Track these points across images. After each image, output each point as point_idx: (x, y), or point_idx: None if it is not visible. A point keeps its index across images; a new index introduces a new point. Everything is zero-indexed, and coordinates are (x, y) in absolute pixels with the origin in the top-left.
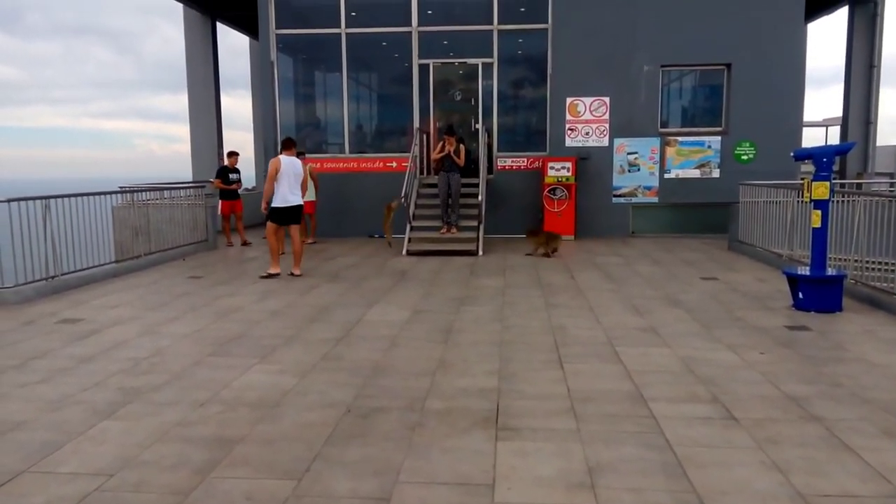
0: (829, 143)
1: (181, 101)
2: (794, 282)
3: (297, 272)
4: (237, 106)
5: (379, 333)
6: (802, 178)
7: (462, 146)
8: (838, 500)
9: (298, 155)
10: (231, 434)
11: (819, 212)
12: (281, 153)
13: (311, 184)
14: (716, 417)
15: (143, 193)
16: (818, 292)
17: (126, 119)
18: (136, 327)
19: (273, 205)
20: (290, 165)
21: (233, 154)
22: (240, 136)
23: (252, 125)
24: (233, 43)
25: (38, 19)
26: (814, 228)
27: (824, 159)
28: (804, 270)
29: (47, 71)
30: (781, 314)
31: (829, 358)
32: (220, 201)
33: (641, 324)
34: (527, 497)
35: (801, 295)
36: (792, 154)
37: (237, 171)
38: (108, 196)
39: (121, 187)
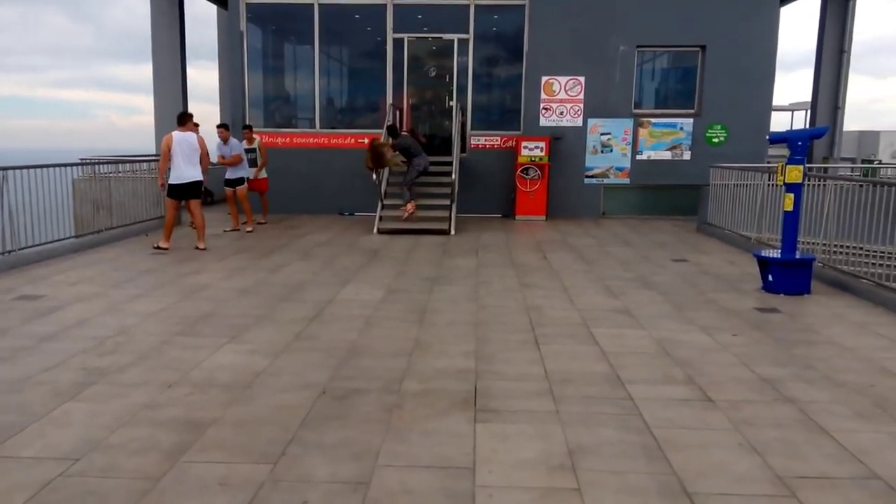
0: (794, 127)
1: (143, 72)
2: (765, 264)
3: (201, 246)
4: (202, 77)
5: (353, 313)
6: (768, 162)
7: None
8: (816, 481)
9: (244, 129)
10: (202, 416)
11: (792, 195)
12: (177, 129)
13: (259, 161)
14: (693, 399)
15: (105, 166)
16: (788, 275)
17: (85, 89)
18: (99, 305)
19: (169, 181)
20: (182, 141)
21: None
22: (205, 108)
23: (218, 97)
24: (199, 11)
25: None
26: (785, 212)
27: (799, 143)
28: (774, 253)
29: (1, 37)
30: (752, 296)
31: (800, 340)
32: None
33: (615, 305)
34: (508, 480)
35: (770, 277)
36: (767, 137)
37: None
38: (68, 168)
39: (81, 159)
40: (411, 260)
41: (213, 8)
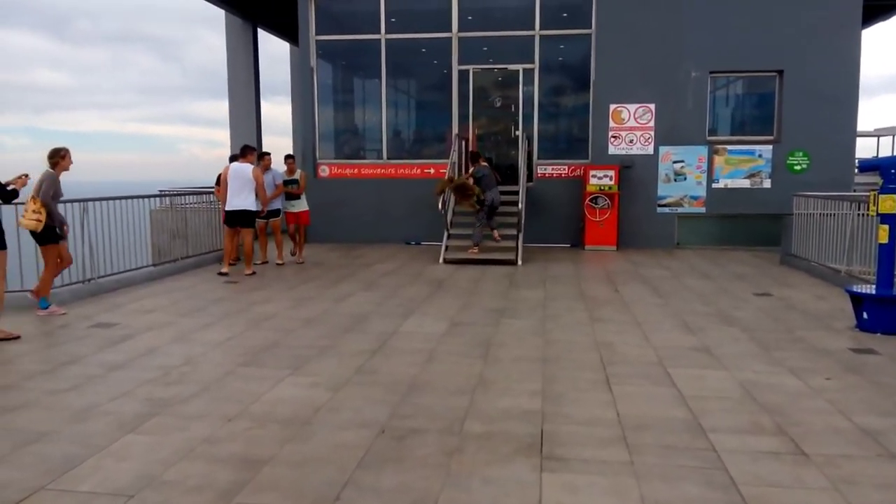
0: (881, 154)
1: (222, 107)
2: (859, 301)
3: (247, 272)
4: (276, 112)
5: (415, 346)
6: (855, 190)
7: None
8: None
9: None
10: (259, 453)
11: (887, 227)
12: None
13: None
14: (784, 452)
15: (182, 197)
16: (885, 312)
17: (171, 124)
18: (169, 333)
19: (224, 209)
20: (235, 172)
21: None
22: (278, 141)
23: (291, 130)
24: (273, 49)
25: (86, 26)
26: (880, 244)
27: (892, 170)
28: (868, 289)
29: (94, 77)
30: (845, 335)
31: None
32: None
33: (694, 343)
34: None
35: (865, 315)
36: (856, 164)
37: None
38: (146, 199)
39: (160, 191)
40: (477, 291)
41: (287, 46)
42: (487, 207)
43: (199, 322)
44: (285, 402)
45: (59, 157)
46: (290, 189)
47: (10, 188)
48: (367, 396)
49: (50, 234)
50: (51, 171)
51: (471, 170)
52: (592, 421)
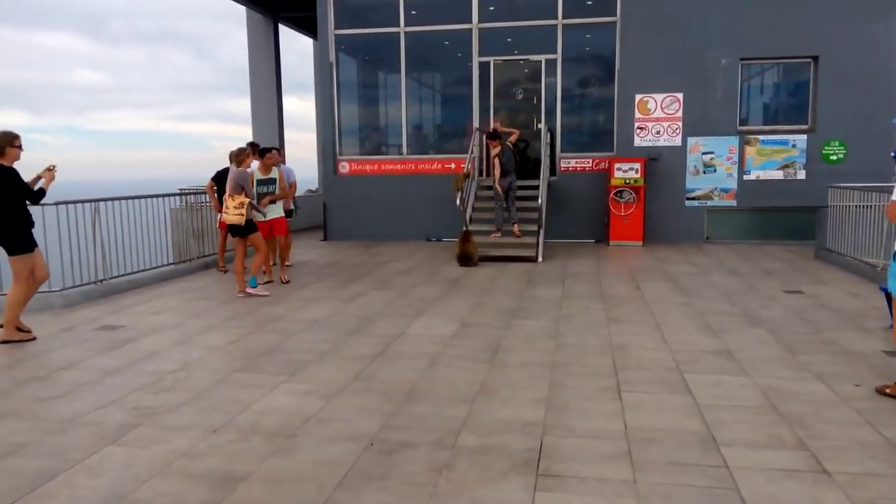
0: None
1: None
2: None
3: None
4: (303, 108)
5: (420, 350)
6: (895, 181)
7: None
8: None
9: (262, 153)
10: (238, 469)
11: None
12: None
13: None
14: (803, 470)
15: (198, 196)
16: None
17: (205, 122)
18: (172, 336)
19: None
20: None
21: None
22: (305, 136)
23: (315, 126)
24: (301, 46)
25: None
26: None
27: None
28: None
29: (131, 76)
30: (879, 337)
31: None
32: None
33: (715, 345)
34: None
35: None
36: (893, 154)
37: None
38: (164, 198)
39: (180, 189)
40: (492, 290)
41: (310, 41)
42: (504, 193)
43: (204, 324)
44: (274, 412)
45: (244, 156)
46: (263, 192)
47: (37, 188)
48: (361, 405)
49: (250, 225)
50: (241, 168)
51: (495, 151)
52: (596, 433)
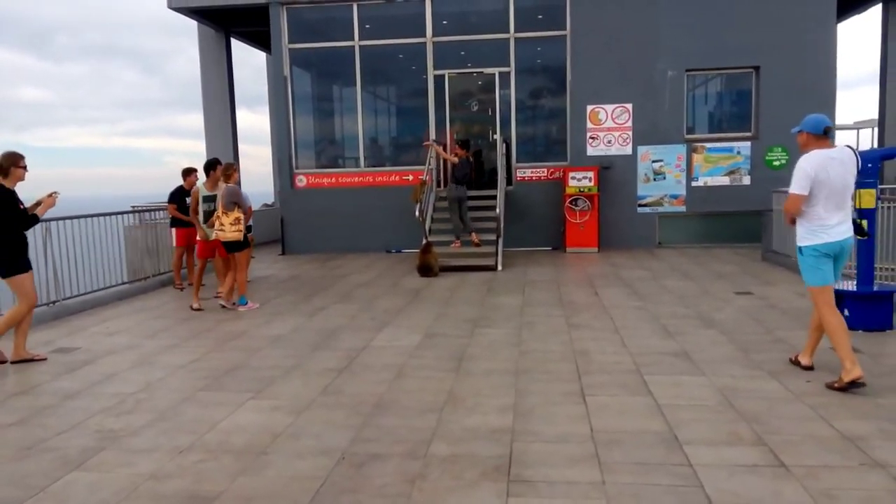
0: (861, 145)
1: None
2: (839, 298)
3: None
4: (258, 121)
5: (385, 362)
6: None
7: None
8: None
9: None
10: (208, 489)
11: (865, 221)
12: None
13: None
14: (762, 465)
15: (151, 213)
16: (866, 309)
17: (156, 137)
18: (130, 357)
19: None
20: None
21: (190, 171)
22: (259, 150)
23: (270, 140)
24: (254, 59)
25: (66, 41)
26: (859, 239)
27: (869, 164)
28: (849, 285)
29: (77, 92)
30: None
31: (886, 387)
32: (174, 231)
33: (672, 347)
34: None
35: (846, 312)
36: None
37: (215, 198)
38: (118, 216)
39: (133, 206)
40: (454, 300)
41: (264, 55)
42: (456, 202)
43: (163, 344)
44: (243, 430)
45: (232, 171)
46: (208, 210)
47: (32, 213)
48: (330, 420)
49: (245, 241)
50: (230, 185)
51: (455, 156)
52: (564, 437)
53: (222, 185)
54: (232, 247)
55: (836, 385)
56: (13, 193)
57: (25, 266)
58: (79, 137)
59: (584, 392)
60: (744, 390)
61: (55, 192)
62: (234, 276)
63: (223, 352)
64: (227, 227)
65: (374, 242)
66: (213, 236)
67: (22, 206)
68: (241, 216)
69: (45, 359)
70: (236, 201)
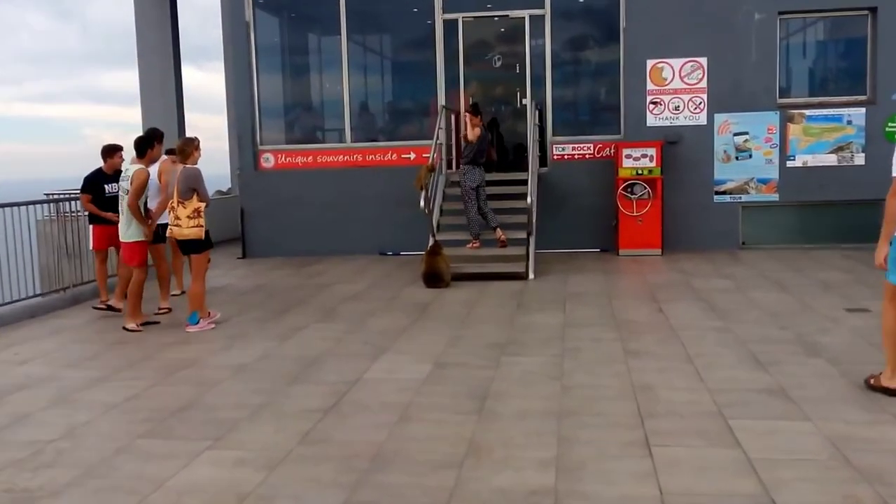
0: None
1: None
2: None
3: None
4: (209, 81)
5: (385, 400)
6: None
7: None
8: None
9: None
10: None
11: None
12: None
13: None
14: None
15: (73, 203)
16: None
17: (72, 102)
18: (47, 393)
19: None
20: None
21: (114, 150)
22: (210, 120)
23: (225, 107)
24: (206, 2)
25: None
26: None
27: None
28: None
29: None
30: None
31: None
32: (91, 229)
33: (765, 382)
34: None
35: None
36: None
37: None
38: (28, 207)
39: (46, 194)
40: (472, 318)
41: None
42: (473, 189)
43: (89, 375)
44: (198, 490)
45: (192, 148)
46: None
47: None
48: (314, 477)
49: (207, 240)
50: (189, 165)
51: (475, 131)
52: (624, 502)
53: (177, 167)
54: (189, 246)
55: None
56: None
57: None
58: None
59: (648, 441)
60: (862, 440)
61: None
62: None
63: (169, 385)
64: (184, 222)
65: (365, 242)
66: (168, 233)
67: None
68: (202, 207)
69: None
70: (195, 187)
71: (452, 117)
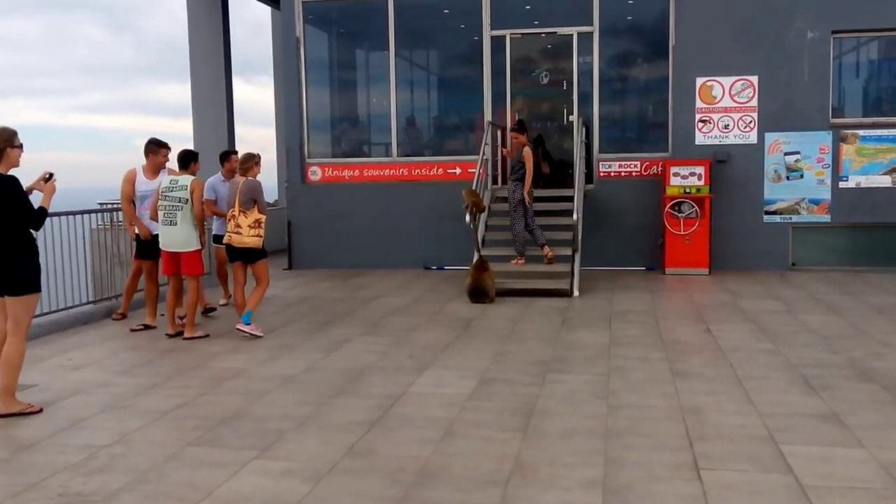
0: None
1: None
2: None
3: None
4: (258, 96)
5: (429, 414)
6: None
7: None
8: None
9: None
10: None
11: None
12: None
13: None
14: None
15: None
16: None
17: (123, 114)
18: (101, 399)
19: None
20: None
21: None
22: (258, 132)
23: (274, 120)
24: (252, 16)
25: None
26: None
27: None
28: None
29: (27, 55)
30: None
31: None
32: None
33: (817, 407)
34: None
35: None
36: None
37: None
38: (81, 216)
39: (100, 203)
40: (517, 334)
41: (268, 11)
42: (521, 206)
43: (141, 382)
44: (245, 499)
45: (252, 163)
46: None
47: (38, 206)
48: (359, 490)
49: (263, 249)
50: (250, 178)
51: (524, 150)
52: None
53: (239, 179)
54: (249, 255)
55: None
56: (15, 179)
57: (39, 282)
58: (27, 113)
59: (697, 464)
60: None
61: (50, 174)
62: (262, 288)
63: (218, 395)
64: (245, 231)
65: (409, 256)
66: (226, 240)
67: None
68: (263, 218)
69: (39, 410)
70: (256, 198)
71: (498, 133)
